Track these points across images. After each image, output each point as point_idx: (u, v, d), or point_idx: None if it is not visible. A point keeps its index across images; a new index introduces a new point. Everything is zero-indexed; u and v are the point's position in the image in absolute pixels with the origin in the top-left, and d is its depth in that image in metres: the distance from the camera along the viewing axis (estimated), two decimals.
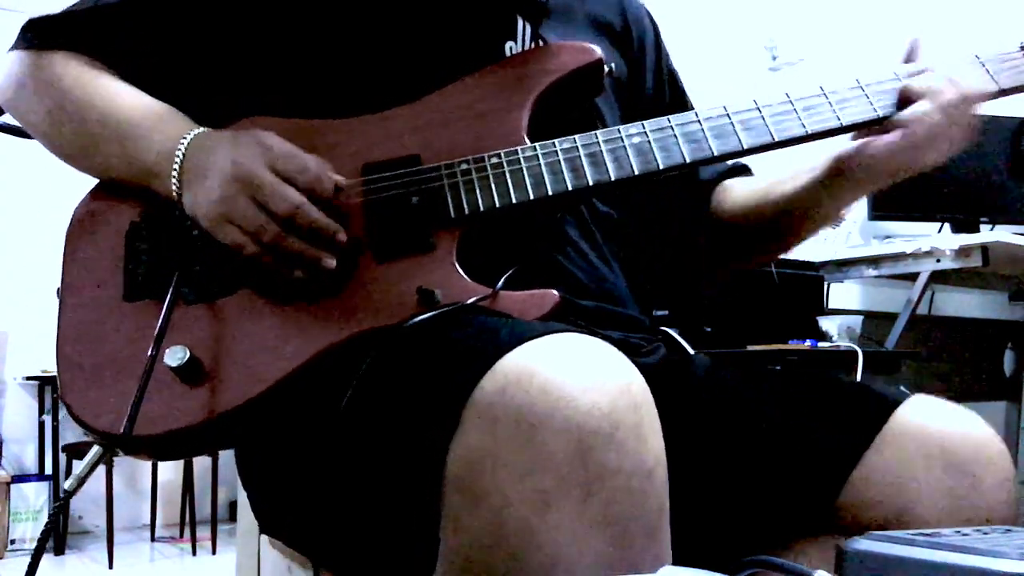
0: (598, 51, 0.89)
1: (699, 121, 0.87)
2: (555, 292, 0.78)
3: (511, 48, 0.93)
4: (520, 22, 0.94)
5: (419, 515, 0.64)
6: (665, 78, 1.10)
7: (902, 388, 0.87)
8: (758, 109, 0.87)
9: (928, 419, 0.80)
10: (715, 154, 0.86)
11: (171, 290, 0.80)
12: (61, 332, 0.84)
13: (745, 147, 0.86)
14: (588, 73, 0.90)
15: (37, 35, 0.92)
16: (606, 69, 0.91)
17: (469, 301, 0.76)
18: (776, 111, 0.87)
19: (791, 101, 0.88)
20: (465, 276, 0.79)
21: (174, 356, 0.77)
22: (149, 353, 0.77)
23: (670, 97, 1.09)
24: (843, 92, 0.89)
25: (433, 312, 0.74)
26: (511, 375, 0.61)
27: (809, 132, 0.86)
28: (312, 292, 0.80)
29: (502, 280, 0.79)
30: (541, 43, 0.93)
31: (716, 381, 0.92)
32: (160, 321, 0.79)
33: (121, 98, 0.88)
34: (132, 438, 0.76)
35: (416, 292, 0.77)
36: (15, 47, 0.93)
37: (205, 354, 0.78)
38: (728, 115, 0.87)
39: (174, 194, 0.83)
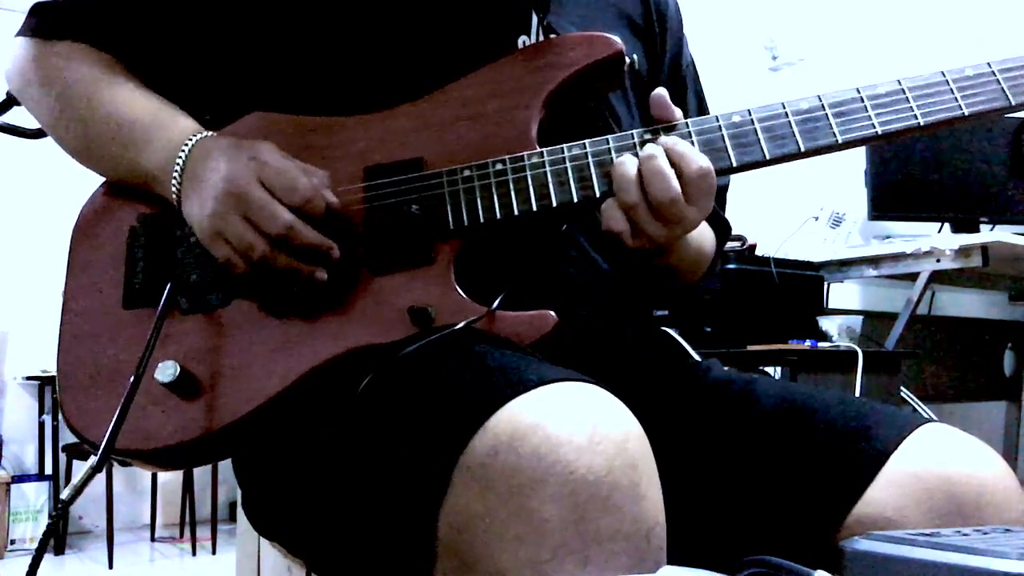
0: (618, 42, 0.83)
1: (720, 127, 0.80)
2: (552, 314, 0.76)
3: (524, 43, 0.88)
4: (535, 17, 0.89)
5: (411, 565, 0.63)
6: (686, 73, 1.04)
7: (909, 402, 0.84)
8: (786, 114, 0.80)
9: (933, 456, 0.75)
10: (734, 165, 0.79)
11: (161, 304, 0.79)
12: (62, 337, 0.83)
13: (769, 157, 0.79)
14: (606, 67, 0.83)
15: (42, 22, 0.89)
16: (627, 62, 0.84)
17: (463, 323, 0.74)
18: (808, 116, 0.79)
19: (823, 104, 0.79)
20: (461, 292, 0.77)
21: (164, 372, 0.76)
22: (136, 371, 0.76)
23: (682, 92, 1.03)
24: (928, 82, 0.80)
25: (426, 340, 0.72)
26: (503, 436, 0.58)
27: (840, 141, 0.79)
28: (306, 304, 0.78)
29: (497, 301, 0.76)
30: (554, 35, 0.87)
31: (722, 392, 0.88)
32: (149, 338, 0.78)
33: (126, 97, 0.87)
34: (121, 451, 0.76)
35: (408, 312, 0.76)
36: (21, 32, 0.90)
37: (198, 367, 0.78)
38: (752, 120, 0.80)
39: (174, 200, 0.82)
